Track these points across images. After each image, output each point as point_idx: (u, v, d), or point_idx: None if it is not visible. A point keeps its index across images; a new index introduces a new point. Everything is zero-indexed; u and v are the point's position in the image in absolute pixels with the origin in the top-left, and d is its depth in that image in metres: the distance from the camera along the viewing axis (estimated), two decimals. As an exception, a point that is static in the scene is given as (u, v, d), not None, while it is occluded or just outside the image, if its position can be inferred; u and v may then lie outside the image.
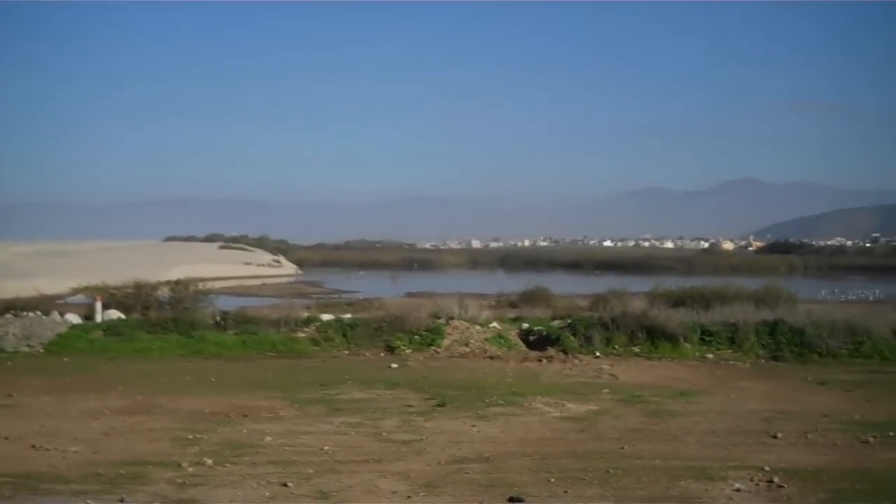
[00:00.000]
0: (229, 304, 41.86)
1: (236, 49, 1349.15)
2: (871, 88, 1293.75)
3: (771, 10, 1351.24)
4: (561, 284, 68.00)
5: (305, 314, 31.47)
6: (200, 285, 38.51)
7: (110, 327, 29.62)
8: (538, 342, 29.06)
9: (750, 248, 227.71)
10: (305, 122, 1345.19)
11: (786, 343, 27.64)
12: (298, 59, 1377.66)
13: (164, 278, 43.28)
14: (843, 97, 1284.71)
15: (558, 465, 13.17)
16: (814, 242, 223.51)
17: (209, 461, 13.39)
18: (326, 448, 14.39)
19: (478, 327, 29.90)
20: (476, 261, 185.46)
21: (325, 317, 31.04)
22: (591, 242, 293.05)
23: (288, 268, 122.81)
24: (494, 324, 30.91)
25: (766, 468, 12.84)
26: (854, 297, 62.55)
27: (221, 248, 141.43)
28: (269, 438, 15.16)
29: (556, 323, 31.11)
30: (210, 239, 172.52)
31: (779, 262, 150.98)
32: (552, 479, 12.34)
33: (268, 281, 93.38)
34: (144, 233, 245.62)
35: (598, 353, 27.44)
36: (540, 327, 30.44)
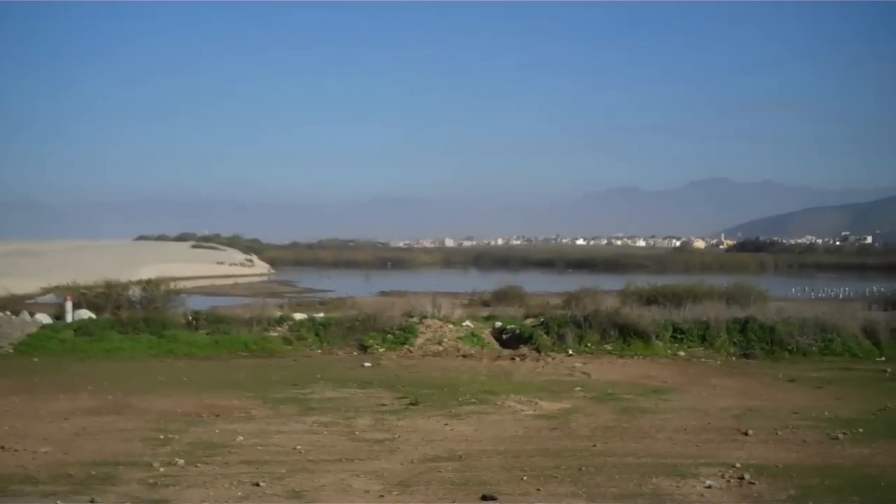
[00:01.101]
0: (201, 303, 41.69)
1: (208, 49, 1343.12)
2: (839, 88, 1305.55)
3: (741, 10, 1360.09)
4: (534, 283, 68.19)
5: (278, 313, 31.37)
6: (172, 285, 38.20)
7: (81, 327, 29.39)
8: (511, 340, 29.13)
9: (721, 247, 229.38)
10: (278, 120, 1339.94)
11: (756, 340, 27.87)
12: (271, 59, 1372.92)
13: (135, 278, 43.08)
14: (812, 97, 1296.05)
15: (531, 463, 13.19)
16: (784, 241, 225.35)
17: (181, 461, 13.32)
18: (299, 447, 14.34)
19: (451, 326, 29.94)
20: (449, 259, 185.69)
21: (298, 316, 30.98)
22: (564, 241, 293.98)
23: (260, 267, 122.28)
24: (467, 322, 30.95)
25: (737, 465, 12.91)
26: (824, 295, 63.26)
27: (193, 247, 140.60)
28: (241, 438, 15.09)
29: (529, 321, 31.19)
30: (182, 238, 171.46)
31: (749, 260, 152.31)
32: (525, 478, 12.36)
33: (240, 280, 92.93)
34: (115, 232, 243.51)
35: (570, 352, 27.55)
36: (513, 326, 30.51)
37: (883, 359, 26.66)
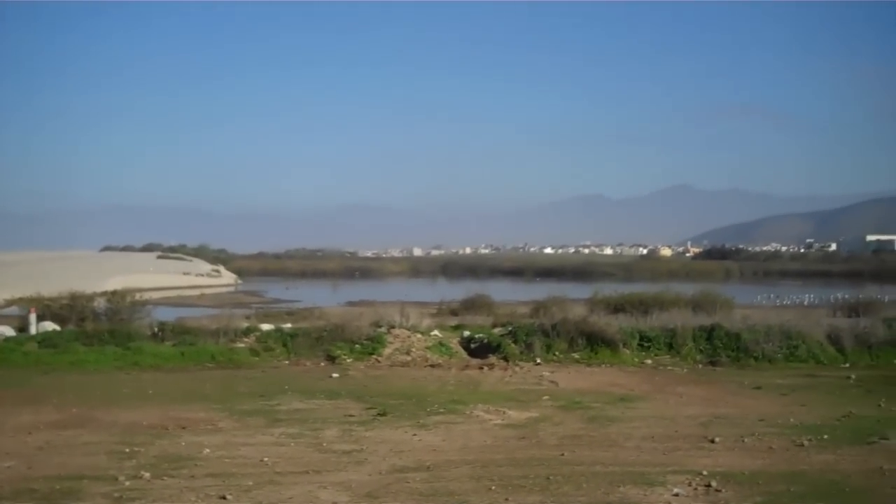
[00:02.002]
0: (167, 314, 41.36)
1: (172, 55, 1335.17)
2: (804, 96, 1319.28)
3: (707, 18, 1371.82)
4: (502, 291, 68.36)
5: (245, 324, 31.21)
6: (138, 296, 37.90)
7: (45, 339, 29.05)
8: (479, 350, 29.14)
9: (687, 254, 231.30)
10: (245, 129, 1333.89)
11: (722, 348, 28.07)
12: (236, 66, 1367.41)
13: (100, 289, 42.69)
14: (778, 104, 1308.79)
15: (499, 473, 13.19)
16: (749, 248, 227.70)
17: (146, 474, 13.19)
18: (266, 459, 14.26)
19: (419, 335, 29.91)
20: (417, 269, 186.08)
21: (265, 327, 30.82)
22: (532, 249, 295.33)
23: (227, 277, 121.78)
24: (436, 332, 30.94)
25: (704, 472, 12.99)
26: (789, 303, 63.67)
27: (160, 257, 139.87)
28: (207, 451, 14.97)
29: (497, 330, 31.22)
30: (148, 249, 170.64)
31: (715, 267, 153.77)
32: (493, 487, 12.36)
33: (207, 291, 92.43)
34: (80, 243, 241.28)
35: (538, 360, 27.59)
36: (481, 335, 30.53)
37: (847, 365, 26.93)
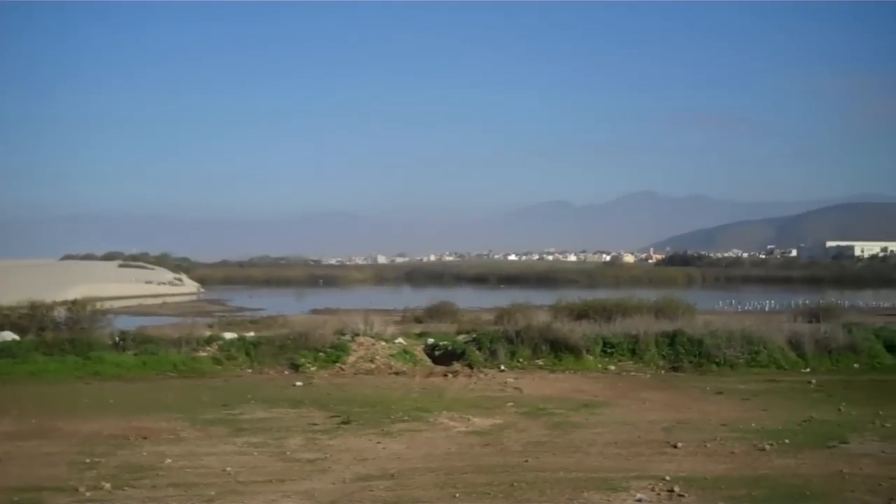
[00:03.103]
0: (129, 323, 41.11)
1: (131, 58, 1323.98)
2: (767, 102, 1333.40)
3: (669, 26, 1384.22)
4: (466, 299, 68.58)
5: (207, 333, 31.05)
6: (99, 305, 37.54)
7: (4, 349, 28.67)
8: (444, 357, 29.17)
9: (650, 261, 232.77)
10: (208, 137, 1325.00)
11: (685, 354, 28.26)
12: (197, 69, 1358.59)
13: (61, 298, 42.27)
14: (741, 111, 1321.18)
15: (463, 480, 13.19)
16: (711, 254, 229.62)
17: (107, 485, 13.05)
18: (229, 469, 14.15)
19: (383, 343, 29.86)
20: (382, 276, 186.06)
21: (228, 335, 30.65)
22: (496, 256, 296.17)
23: (190, 286, 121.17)
24: (400, 339, 30.93)
25: (667, 477, 13.05)
26: (750, 308, 64.49)
27: (121, 266, 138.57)
28: (169, 460, 14.84)
29: (461, 337, 31.28)
30: (109, 257, 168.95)
31: (678, 273, 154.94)
32: (457, 494, 12.35)
33: (169, 300, 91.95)
34: (40, 251, 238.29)
35: (502, 367, 27.63)
36: (445, 342, 30.57)
37: (808, 370, 27.22)
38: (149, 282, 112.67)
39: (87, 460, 14.92)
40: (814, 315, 36.92)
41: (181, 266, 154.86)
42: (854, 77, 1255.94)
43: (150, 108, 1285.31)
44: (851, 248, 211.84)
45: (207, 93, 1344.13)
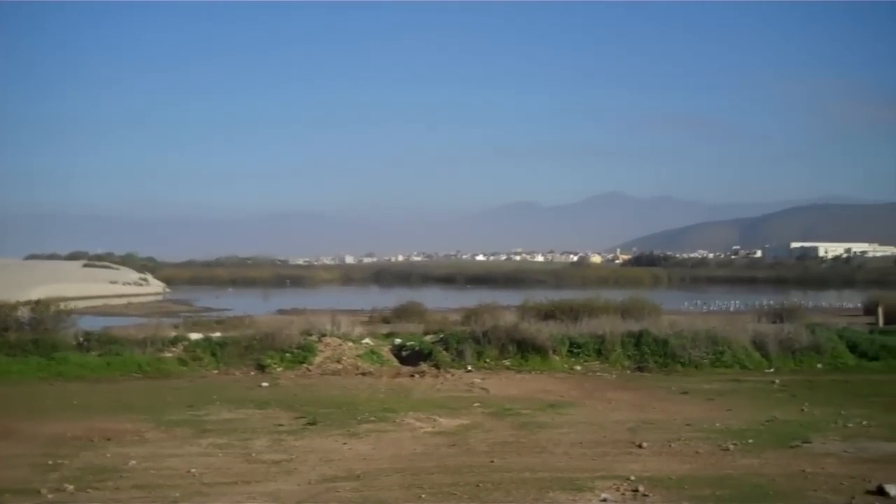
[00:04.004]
0: (93, 324, 40.71)
1: (95, 59, 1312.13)
2: (732, 104, 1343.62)
3: (635, 27, 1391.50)
4: (434, 299, 68.59)
5: (173, 333, 30.86)
6: (63, 305, 37.11)
7: (-35, 350, 28.36)
8: (411, 357, 29.17)
9: (617, 261, 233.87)
10: (174, 135, 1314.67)
11: (650, 354, 28.43)
12: (161, 69, 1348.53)
13: (24, 298, 41.73)
14: (706, 112, 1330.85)
15: (429, 481, 13.19)
16: (677, 255, 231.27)
17: (70, 487, 12.94)
18: (193, 470, 14.07)
19: (350, 344, 29.81)
20: (349, 276, 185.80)
21: (194, 336, 30.48)
22: (464, 257, 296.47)
23: (155, 286, 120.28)
24: (367, 340, 30.89)
25: (632, 477, 13.12)
26: (715, 309, 64.97)
27: (86, 266, 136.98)
28: (133, 462, 14.73)
29: (428, 338, 31.29)
30: (74, 257, 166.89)
31: (644, 274, 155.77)
32: (423, 495, 12.36)
33: (134, 300, 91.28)
34: (3, 251, 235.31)
35: (469, 368, 27.67)
36: (412, 342, 30.58)
37: (772, 370, 27.48)
38: (114, 282, 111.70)
39: (50, 462, 14.78)
40: (778, 315, 37.30)
41: (146, 266, 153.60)
42: (818, 80, 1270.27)
43: (114, 109, 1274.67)
44: (815, 249, 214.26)
45: (174, 93, 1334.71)
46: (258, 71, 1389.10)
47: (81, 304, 62.40)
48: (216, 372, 27.68)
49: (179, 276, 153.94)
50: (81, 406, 21.09)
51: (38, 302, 37.00)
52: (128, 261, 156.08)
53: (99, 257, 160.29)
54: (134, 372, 27.14)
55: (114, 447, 16.16)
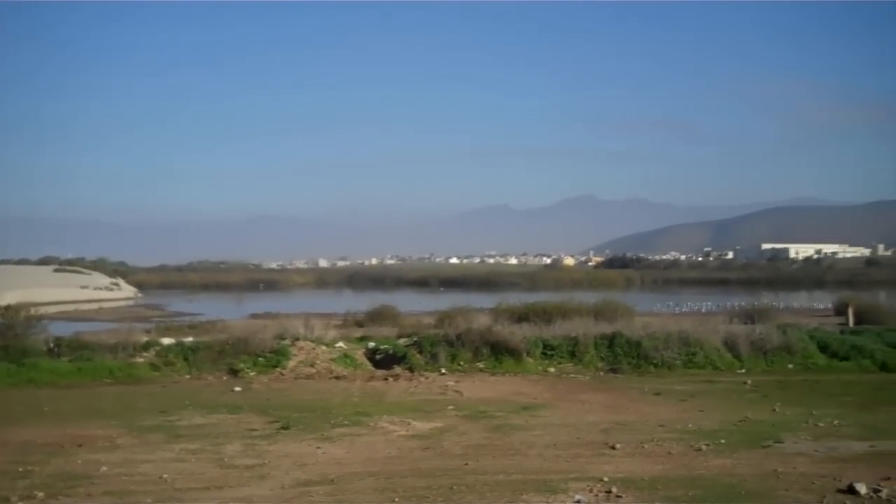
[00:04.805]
0: (64, 329, 40.36)
1: (68, 62, 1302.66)
2: (704, 108, 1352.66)
3: (609, 31, 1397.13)
4: (408, 302, 68.46)
5: (145, 339, 30.64)
6: (33, 311, 36.77)
7: (-66, 357, 28.04)
8: (385, 361, 29.12)
9: (590, 264, 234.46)
10: (147, 138, 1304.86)
11: (623, 355, 28.53)
12: (140, 74, 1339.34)
13: (-7, 304, 41.30)
14: (679, 117, 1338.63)
15: (403, 484, 13.17)
16: (650, 257, 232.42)
17: (40, 494, 12.81)
18: (166, 476, 13.97)
19: (324, 347, 29.73)
20: (323, 280, 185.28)
21: (166, 341, 30.28)
22: (438, 260, 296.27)
23: (127, 291, 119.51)
24: (341, 343, 30.81)
25: (605, 479, 13.15)
26: (687, 310, 65.21)
27: (56, 271, 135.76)
28: (105, 468, 14.61)
29: (402, 341, 31.26)
30: (44, 262, 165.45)
31: (617, 276, 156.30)
32: (397, 499, 12.33)
33: (105, 305, 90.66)
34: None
35: (443, 370, 27.67)
36: (386, 346, 30.54)
37: (743, 371, 27.65)
38: (85, 287, 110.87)
39: (21, 469, 14.63)
40: (749, 316, 37.52)
41: (118, 271, 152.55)
42: (788, 82, 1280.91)
43: (83, 112, 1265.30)
44: (786, 251, 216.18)
45: (146, 97, 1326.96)
46: (232, 75, 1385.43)
47: (52, 310, 61.83)
48: (188, 377, 27.53)
49: (151, 280, 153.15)
50: (52, 412, 20.92)
51: (7, 307, 36.61)
52: (99, 265, 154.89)
53: (70, 262, 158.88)
54: (105, 377, 26.96)
55: (85, 453, 16.02)
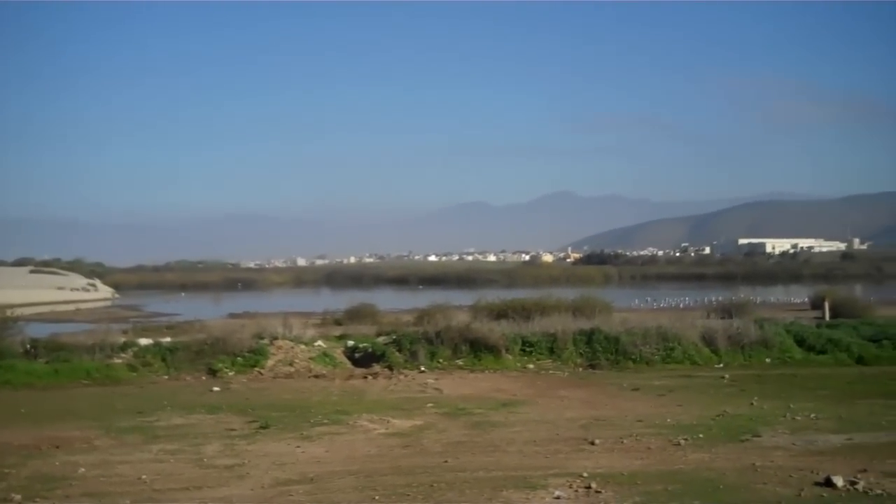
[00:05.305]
0: (40, 331, 40.14)
1: (46, 62, 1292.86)
2: (680, 104, 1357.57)
3: (588, 29, 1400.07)
4: (386, 300, 68.49)
5: (122, 339, 30.46)
6: (9, 312, 36.54)
7: None
8: (364, 359, 29.11)
9: (568, 260, 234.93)
10: (123, 137, 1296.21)
11: (602, 351, 28.63)
12: (118, 73, 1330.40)
13: (-32, 306, 41.01)
14: (656, 114, 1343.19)
15: (383, 482, 13.16)
16: (627, 253, 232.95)
17: (17, 497, 12.72)
18: (144, 477, 13.90)
19: (303, 346, 29.66)
20: (301, 279, 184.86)
21: (144, 341, 30.12)
22: (416, 257, 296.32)
23: (104, 292, 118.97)
24: (320, 342, 30.76)
25: (585, 474, 13.19)
26: (665, 305, 65.52)
27: (32, 272, 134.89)
28: (82, 470, 14.52)
29: (381, 339, 31.23)
30: (20, 263, 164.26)
31: (595, 272, 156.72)
32: (377, 497, 12.32)
33: (82, 306, 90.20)
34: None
35: (423, 368, 27.68)
36: (365, 344, 30.51)
37: (721, 365, 27.78)
38: (61, 288, 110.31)
39: (-3, 472, 14.54)
40: (726, 311, 37.65)
41: (95, 271, 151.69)
42: (764, 78, 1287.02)
43: (59, 111, 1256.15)
44: (763, 245, 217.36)
45: (120, 95, 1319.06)
46: (209, 76, 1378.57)
47: (28, 311, 61.42)
48: (166, 377, 27.41)
49: (128, 281, 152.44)
50: (29, 414, 20.79)
51: (-18, 309, 36.41)
52: (75, 266, 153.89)
53: (46, 263, 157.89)
54: (83, 379, 26.79)
55: (63, 455, 15.92)
